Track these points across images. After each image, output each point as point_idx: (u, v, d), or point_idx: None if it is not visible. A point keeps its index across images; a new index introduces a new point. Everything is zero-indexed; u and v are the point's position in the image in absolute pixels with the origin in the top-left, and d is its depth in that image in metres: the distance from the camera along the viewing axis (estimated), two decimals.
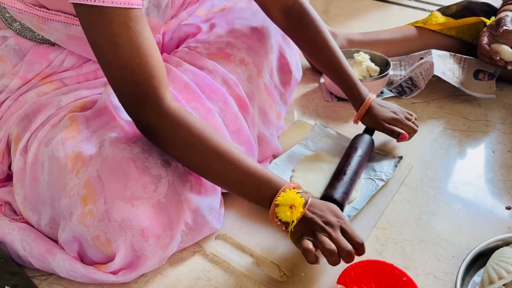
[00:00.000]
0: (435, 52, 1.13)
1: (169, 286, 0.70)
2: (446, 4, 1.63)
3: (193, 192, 0.71)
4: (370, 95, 0.92)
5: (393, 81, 1.19)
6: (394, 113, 0.92)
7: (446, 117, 1.08)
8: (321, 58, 0.92)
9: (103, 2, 0.58)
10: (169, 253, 0.70)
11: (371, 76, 1.15)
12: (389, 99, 1.15)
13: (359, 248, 0.64)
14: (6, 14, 0.77)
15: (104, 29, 0.60)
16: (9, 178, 0.82)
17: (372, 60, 1.17)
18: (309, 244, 0.63)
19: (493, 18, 1.13)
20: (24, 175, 0.73)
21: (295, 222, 0.65)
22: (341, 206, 0.76)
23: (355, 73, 1.14)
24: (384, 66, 1.16)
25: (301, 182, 0.85)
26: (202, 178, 0.73)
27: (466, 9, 1.23)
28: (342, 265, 0.64)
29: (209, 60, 0.86)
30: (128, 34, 0.60)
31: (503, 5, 1.15)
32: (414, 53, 1.20)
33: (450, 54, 1.15)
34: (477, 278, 0.69)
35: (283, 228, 0.67)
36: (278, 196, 0.65)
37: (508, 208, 0.83)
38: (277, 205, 0.65)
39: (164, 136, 0.66)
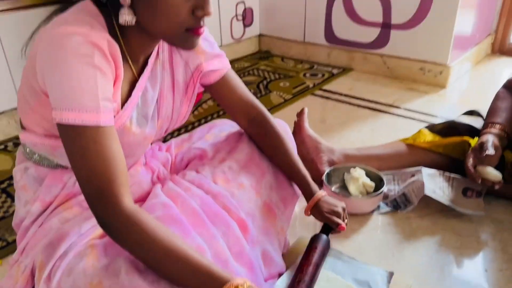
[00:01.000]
0: (425, 171, 1.22)
1: None
2: (433, 113, 1.78)
3: None
4: (320, 192, 1.03)
5: (388, 195, 1.27)
6: (334, 208, 1.02)
7: (440, 234, 1.14)
8: (281, 160, 1.04)
9: (75, 120, 0.69)
10: None
11: (367, 192, 1.23)
12: (385, 213, 1.22)
13: None
14: (27, 149, 0.89)
15: (77, 142, 0.70)
16: None
17: (367, 175, 1.27)
18: None
19: (476, 139, 1.24)
20: None
21: None
22: None
23: (352, 188, 1.24)
24: (378, 181, 1.25)
25: None
26: None
27: (451, 128, 1.35)
28: None
29: (214, 185, 0.95)
30: (95, 147, 0.70)
31: (484, 127, 1.26)
32: (406, 170, 1.30)
33: (439, 173, 1.24)
34: None
35: None
36: None
37: None
38: None
39: (118, 233, 0.73)
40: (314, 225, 1.18)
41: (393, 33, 2.19)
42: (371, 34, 2.27)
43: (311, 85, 2.21)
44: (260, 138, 1.04)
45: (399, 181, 1.29)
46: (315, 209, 1.03)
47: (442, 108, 1.93)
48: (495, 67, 2.41)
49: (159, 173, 1.01)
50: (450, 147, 1.30)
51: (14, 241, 1.13)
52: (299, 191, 1.08)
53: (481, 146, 1.17)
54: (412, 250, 1.09)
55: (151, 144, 1.08)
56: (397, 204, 1.25)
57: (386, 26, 2.20)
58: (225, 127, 1.14)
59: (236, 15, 2.56)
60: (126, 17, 0.74)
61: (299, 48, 2.60)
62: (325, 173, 1.28)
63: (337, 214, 1.02)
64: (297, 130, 1.40)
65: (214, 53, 0.97)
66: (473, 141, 1.25)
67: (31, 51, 0.78)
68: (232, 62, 2.43)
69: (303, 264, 0.93)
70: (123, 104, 0.81)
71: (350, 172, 1.28)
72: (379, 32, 2.24)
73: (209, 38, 0.97)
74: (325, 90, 2.16)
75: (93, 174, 0.71)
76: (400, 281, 0.97)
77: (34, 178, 0.88)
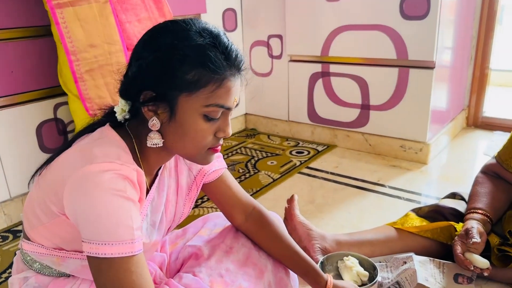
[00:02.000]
0: (416, 258, 1.25)
1: None
2: (417, 191, 1.84)
3: None
4: (329, 277, 1.03)
5: (382, 283, 1.28)
6: None
7: None
8: (280, 251, 1.04)
9: (111, 254, 0.69)
10: None
11: (361, 280, 1.24)
12: None
13: None
14: (28, 258, 0.88)
15: (111, 275, 0.70)
16: None
17: (360, 264, 1.28)
18: None
19: (461, 224, 1.29)
20: None
21: None
22: None
23: (346, 277, 1.25)
24: (372, 269, 1.27)
25: None
26: None
27: (437, 212, 1.40)
28: None
29: None
30: (131, 277, 0.71)
31: (467, 213, 1.32)
32: (398, 256, 1.32)
33: (430, 260, 1.27)
34: None
35: None
36: None
37: None
38: None
39: None
40: None
41: (372, 113, 2.31)
42: (351, 114, 2.39)
43: (297, 163, 2.28)
44: (258, 232, 1.05)
45: (392, 269, 1.31)
46: None
47: (425, 185, 1.99)
48: (471, 140, 2.53)
49: (155, 277, 1.01)
50: (438, 231, 1.34)
51: None
52: (296, 284, 1.09)
53: (467, 233, 1.21)
54: None
55: None
56: None
57: (365, 107, 2.32)
58: (219, 220, 1.16)
59: None
60: (156, 140, 0.78)
61: (284, 126, 2.70)
62: (319, 261, 1.29)
63: None
64: (288, 218, 1.42)
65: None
66: (459, 226, 1.30)
67: (51, 175, 0.78)
68: None
69: None
70: None
71: (344, 261, 1.29)
72: (359, 112, 2.35)
73: None
74: (311, 168, 2.22)
75: None
76: None
77: None
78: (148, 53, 0.76)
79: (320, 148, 2.47)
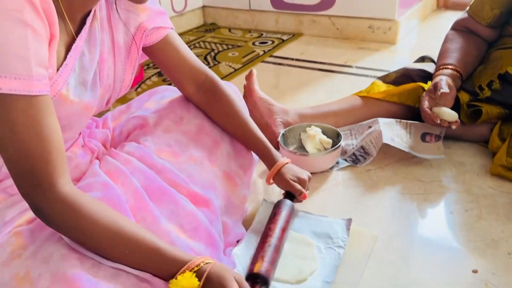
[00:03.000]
0: (381, 120, 1.18)
1: None
2: (385, 69, 1.75)
3: None
4: (282, 160, 0.97)
5: (346, 150, 1.22)
6: (299, 175, 0.97)
7: (401, 182, 1.10)
8: (233, 127, 0.96)
9: (1, 89, 0.57)
10: None
11: (325, 148, 1.17)
12: (345, 168, 1.17)
13: None
14: None
15: (4, 115, 0.59)
16: None
17: (323, 132, 1.20)
18: None
19: (429, 83, 1.20)
20: None
21: None
22: (267, 283, 0.76)
23: (309, 146, 1.18)
24: (335, 137, 1.19)
25: None
26: (156, 283, 0.69)
27: (404, 75, 1.31)
28: None
29: (158, 158, 0.85)
30: (27, 120, 0.60)
31: (436, 70, 1.23)
32: (363, 122, 1.25)
33: (396, 121, 1.20)
34: None
35: None
36: (171, 282, 0.66)
37: (474, 271, 0.83)
38: None
39: (56, 220, 0.65)
40: (272, 191, 1.11)
41: None
42: None
43: (261, 53, 2.13)
44: (210, 105, 0.95)
45: (356, 135, 1.24)
46: (278, 177, 0.96)
47: (393, 63, 1.89)
48: (442, 21, 2.40)
49: (99, 154, 0.89)
50: (405, 94, 1.26)
51: None
52: (256, 157, 1.01)
53: (435, 86, 1.13)
54: (376, 202, 1.04)
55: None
56: (356, 158, 1.19)
57: None
58: (168, 93, 1.03)
59: None
60: None
61: (245, 16, 2.50)
62: (280, 134, 1.21)
63: (303, 182, 0.96)
64: (248, 94, 1.31)
65: (156, 9, 0.87)
66: (427, 86, 1.22)
67: None
68: None
69: (270, 229, 0.87)
70: (58, 69, 0.69)
71: (306, 131, 1.22)
72: None
73: None
74: (276, 57, 2.08)
75: (24, 152, 0.61)
76: (366, 233, 0.92)
77: None
78: None
79: (285, 37, 2.31)
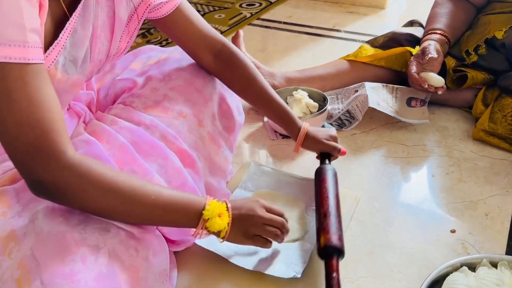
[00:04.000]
0: (368, 85, 1.17)
1: None
2: (374, 33, 1.73)
3: (139, 258, 0.68)
4: (305, 124, 0.96)
5: (332, 114, 1.22)
6: (330, 133, 0.97)
7: (386, 146, 1.11)
8: (253, 95, 0.95)
9: None
10: None
11: (311, 112, 1.17)
12: None
13: (283, 216, 0.77)
14: None
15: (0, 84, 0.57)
16: None
17: (310, 96, 1.20)
18: (259, 240, 0.74)
19: (417, 48, 1.20)
20: None
21: (227, 228, 0.71)
22: (342, 252, 0.74)
23: (295, 110, 1.18)
24: (322, 101, 1.19)
25: None
26: (146, 239, 0.70)
27: (392, 40, 1.30)
28: None
29: (146, 115, 0.84)
30: (25, 89, 0.58)
31: (425, 35, 1.22)
32: (349, 86, 1.25)
33: (383, 85, 1.20)
34: None
35: (219, 238, 0.73)
36: (204, 211, 0.69)
37: (452, 231, 0.85)
38: (207, 220, 0.69)
39: (72, 190, 0.63)
40: (258, 154, 1.12)
41: None
42: None
43: (248, 15, 2.09)
44: (229, 73, 0.92)
45: (343, 99, 1.24)
46: (309, 141, 0.94)
47: (382, 28, 1.87)
48: None
49: (85, 118, 0.87)
50: (392, 58, 1.26)
51: None
52: (242, 119, 1.00)
53: (423, 51, 1.13)
54: (359, 164, 1.05)
55: None
56: (342, 122, 1.20)
57: None
58: (154, 53, 1.01)
59: None
60: None
61: None
62: None
63: (334, 138, 0.96)
64: None
65: None
66: (415, 50, 1.21)
67: None
68: None
69: (322, 199, 0.83)
70: (47, 46, 0.66)
71: (293, 95, 1.21)
72: None
73: None
74: (263, 19, 2.04)
75: (25, 123, 0.58)
76: (349, 194, 0.94)
77: None
78: None
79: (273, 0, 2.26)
